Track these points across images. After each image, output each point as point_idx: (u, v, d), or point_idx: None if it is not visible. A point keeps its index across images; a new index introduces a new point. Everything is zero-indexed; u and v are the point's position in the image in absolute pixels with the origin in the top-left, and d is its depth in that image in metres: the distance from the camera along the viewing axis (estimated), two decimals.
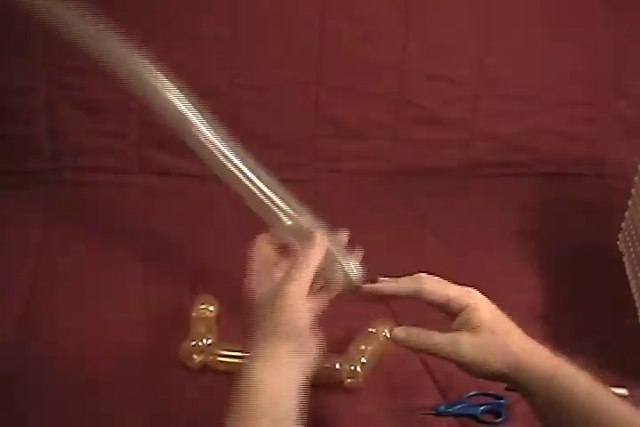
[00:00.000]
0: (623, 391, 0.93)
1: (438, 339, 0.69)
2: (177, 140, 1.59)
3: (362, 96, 1.65)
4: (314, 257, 0.71)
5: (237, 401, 0.63)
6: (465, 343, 0.67)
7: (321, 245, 0.72)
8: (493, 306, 0.71)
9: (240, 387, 0.64)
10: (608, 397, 0.65)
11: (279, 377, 0.64)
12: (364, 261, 0.79)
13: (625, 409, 0.64)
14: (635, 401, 0.91)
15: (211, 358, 0.94)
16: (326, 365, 0.92)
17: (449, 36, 1.65)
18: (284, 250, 0.76)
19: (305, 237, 0.73)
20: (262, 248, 0.76)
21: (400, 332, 0.71)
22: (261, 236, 0.77)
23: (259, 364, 0.65)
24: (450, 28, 1.65)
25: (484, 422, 0.88)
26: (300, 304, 0.67)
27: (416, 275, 0.73)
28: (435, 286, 0.72)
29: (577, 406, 0.64)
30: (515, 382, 0.68)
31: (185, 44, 1.55)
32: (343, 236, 0.79)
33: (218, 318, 1.04)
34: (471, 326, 0.68)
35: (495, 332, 0.68)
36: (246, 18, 1.56)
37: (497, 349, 0.67)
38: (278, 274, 0.71)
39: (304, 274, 0.69)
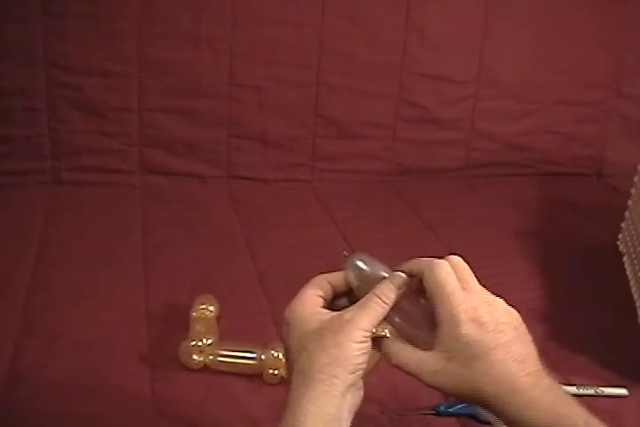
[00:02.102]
0: (623, 391, 0.93)
1: (406, 358, 0.61)
2: (177, 141, 1.61)
3: (362, 96, 1.65)
4: (390, 294, 0.62)
5: None
6: (429, 369, 0.60)
7: (400, 286, 0.62)
8: (483, 334, 0.59)
9: None
10: None
11: (325, 421, 0.57)
12: None
13: None
14: (635, 401, 0.92)
15: (211, 358, 0.94)
16: None
17: (449, 36, 1.65)
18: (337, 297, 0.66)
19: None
20: (321, 283, 0.65)
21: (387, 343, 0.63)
22: (324, 275, 0.66)
23: (304, 409, 0.57)
24: (450, 28, 1.65)
25: (483, 422, 0.88)
26: (365, 341, 0.59)
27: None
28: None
29: None
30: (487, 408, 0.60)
31: (185, 44, 1.55)
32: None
33: (218, 318, 1.04)
34: (443, 351, 0.59)
35: (468, 367, 0.58)
36: (246, 18, 1.56)
37: (463, 381, 0.59)
38: (324, 316, 0.62)
39: (379, 308, 0.61)
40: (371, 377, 0.94)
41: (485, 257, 1.31)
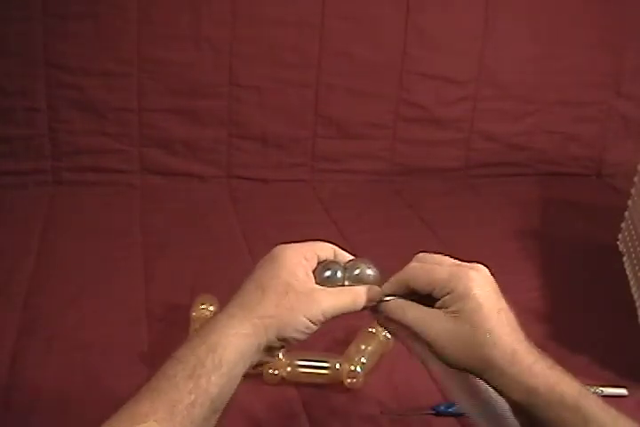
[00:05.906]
0: (623, 391, 0.93)
1: (413, 313, 0.62)
2: (176, 141, 1.61)
3: (362, 96, 1.65)
4: (325, 247, 0.67)
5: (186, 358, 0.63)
6: (437, 326, 0.60)
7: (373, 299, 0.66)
8: (488, 296, 0.62)
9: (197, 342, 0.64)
10: None
11: (239, 346, 0.64)
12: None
13: None
14: (635, 401, 0.92)
15: None
16: (326, 365, 0.92)
17: (449, 36, 1.65)
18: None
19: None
20: (325, 247, 0.67)
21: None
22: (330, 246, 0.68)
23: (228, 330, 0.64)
24: (450, 28, 1.65)
25: None
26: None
27: (405, 267, 0.65)
28: (418, 274, 0.63)
29: None
30: (487, 382, 0.60)
31: (185, 44, 1.55)
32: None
33: None
34: (451, 311, 0.60)
35: (475, 326, 0.59)
36: (246, 18, 1.56)
37: (468, 344, 0.59)
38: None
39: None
40: (371, 377, 0.94)
41: (485, 257, 1.30)
